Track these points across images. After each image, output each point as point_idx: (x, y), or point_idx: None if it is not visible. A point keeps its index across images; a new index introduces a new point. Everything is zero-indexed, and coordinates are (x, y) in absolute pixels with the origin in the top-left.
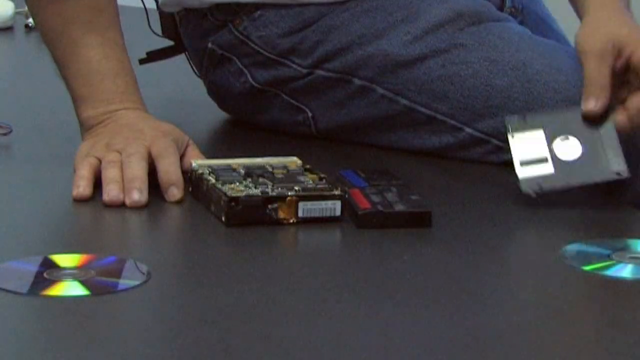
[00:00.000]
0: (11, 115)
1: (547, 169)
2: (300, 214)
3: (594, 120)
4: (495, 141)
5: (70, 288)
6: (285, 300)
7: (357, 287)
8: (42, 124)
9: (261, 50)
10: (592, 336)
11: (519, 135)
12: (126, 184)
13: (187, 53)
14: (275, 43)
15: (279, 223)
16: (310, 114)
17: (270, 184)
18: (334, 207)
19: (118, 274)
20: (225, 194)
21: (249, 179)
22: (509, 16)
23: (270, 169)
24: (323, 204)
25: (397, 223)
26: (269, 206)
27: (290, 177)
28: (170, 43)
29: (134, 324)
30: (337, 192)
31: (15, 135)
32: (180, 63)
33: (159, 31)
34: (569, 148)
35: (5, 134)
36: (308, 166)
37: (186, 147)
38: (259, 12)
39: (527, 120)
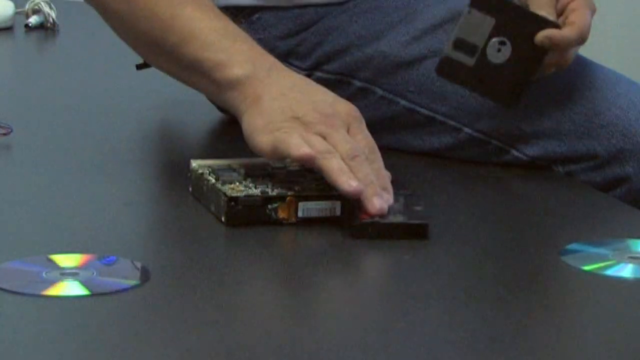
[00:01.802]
0: (11, 115)
1: (469, 61)
2: (300, 214)
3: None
4: (494, 142)
5: (70, 288)
6: (285, 300)
7: (357, 287)
8: (42, 124)
9: None
10: (592, 336)
11: (475, 13)
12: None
13: None
14: (274, 45)
15: (279, 223)
16: None
17: (270, 183)
18: (334, 207)
19: (118, 274)
20: (225, 194)
21: (249, 179)
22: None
23: (270, 169)
24: (323, 204)
25: (393, 234)
26: (269, 206)
27: (290, 176)
28: None
29: (133, 324)
30: (336, 192)
31: (15, 135)
32: None
33: None
34: (500, 52)
35: (5, 134)
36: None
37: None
38: (257, 15)
39: (491, 1)
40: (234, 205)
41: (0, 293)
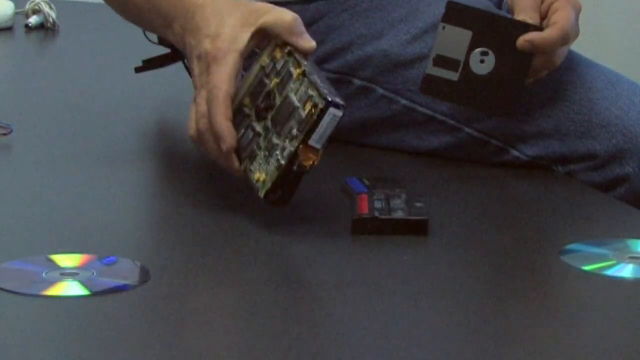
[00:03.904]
0: (11, 115)
1: (453, 76)
2: (317, 146)
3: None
4: (494, 141)
5: (70, 288)
6: (285, 299)
7: (357, 287)
8: (42, 124)
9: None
10: (593, 336)
11: (450, 28)
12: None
13: (184, 61)
14: None
15: (313, 169)
16: None
17: (276, 141)
18: (333, 114)
19: (118, 274)
20: (258, 189)
21: (262, 147)
22: (507, 14)
23: (267, 99)
24: (324, 123)
25: (392, 230)
26: (293, 168)
27: (287, 107)
28: (167, 50)
29: (134, 324)
30: (322, 105)
31: (15, 135)
32: (179, 63)
33: (155, 39)
34: (484, 63)
35: (5, 134)
36: (289, 47)
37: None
38: None
39: (464, 14)
40: (271, 195)
41: (0, 293)
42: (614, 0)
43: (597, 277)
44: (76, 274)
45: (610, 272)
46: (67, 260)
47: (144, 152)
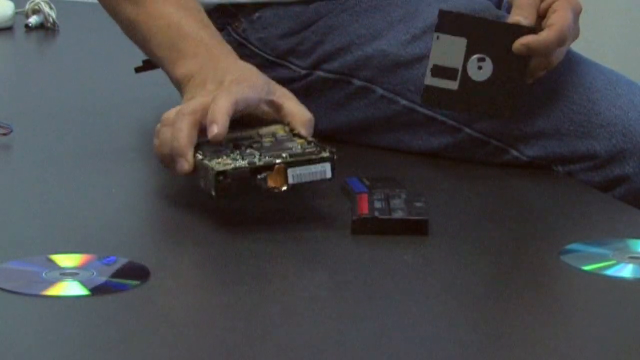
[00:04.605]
0: (11, 115)
1: (452, 85)
2: (290, 180)
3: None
4: (494, 142)
5: (70, 288)
6: (284, 300)
7: (357, 287)
8: (42, 124)
9: (260, 53)
10: (592, 336)
11: (444, 37)
12: None
13: None
14: (275, 45)
15: (270, 192)
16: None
17: (257, 153)
18: (324, 169)
19: (118, 274)
20: (212, 168)
21: (237, 152)
22: (506, 13)
23: (258, 138)
24: (312, 168)
25: (392, 230)
26: (258, 176)
27: (278, 144)
28: None
29: (134, 324)
30: (325, 154)
31: (15, 135)
32: None
33: None
34: (482, 69)
35: (5, 134)
36: (297, 131)
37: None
38: (257, 14)
39: (457, 21)
40: (222, 179)
41: (0, 293)
42: (614, 0)
43: (597, 277)
44: (76, 274)
45: (610, 272)
46: (67, 260)
47: (144, 152)
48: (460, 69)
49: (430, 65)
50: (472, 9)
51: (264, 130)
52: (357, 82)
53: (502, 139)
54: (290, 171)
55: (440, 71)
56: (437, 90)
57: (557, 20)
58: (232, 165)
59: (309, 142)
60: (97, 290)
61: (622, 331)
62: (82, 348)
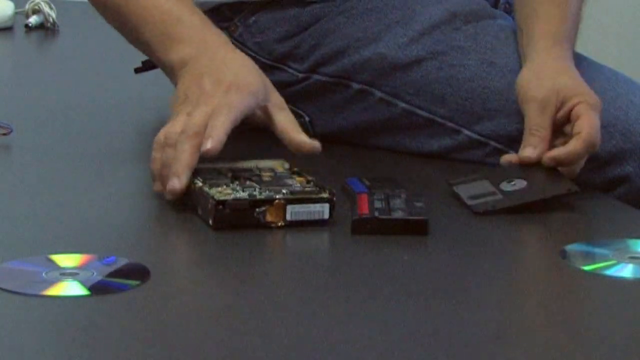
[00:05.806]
0: (11, 115)
1: (497, 196)
2: (288, 217)
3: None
4: (493, 143)
5: (70, 288)
6: (284, 300)
7: (357, 287)
8: (42, 124)
9: (257, 56)
10: (593, 336)
11: (464, 186)
12: None
13: None
14: (272, 48)
15: (266, 226)
16: (307, 119)
17: (257, 187)
18: (322, 210)
19: (118, 274)
20: (212, 197)
21: (237, 182)
22: (504, 13)
23: (257, 172)
24: (311, 207)
25: (392, 230)
26: (257, 209)
27: (277, 180)
28: None
29: (134, 324)
30: (325, 195)
31: (15, 135)
32: None
33: None
34: (515, 186)
35: (5, 134)
36: (296, 169)
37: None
38: (253, 18)
39: (469, 176)
40: (221, 208)
41: (0, 293)
42: (614, 0)
43: (597, 277)
44: (76, 274)
45: (610, 272)
46: (67, 260)
47: (144, 152)
48: (494, 189)
49: (464, 197)
50: (469, 9)
51: (262, 164)
52: (355, 85)
53: (501, 140)
54: (289, 208)
55: (476, 196)
56: (482, 204)
57: (584, 127)
58: (233, 196)
59: (308, 181)
60: (97, 290)
61: (622, 331)
62: (82, 348)
